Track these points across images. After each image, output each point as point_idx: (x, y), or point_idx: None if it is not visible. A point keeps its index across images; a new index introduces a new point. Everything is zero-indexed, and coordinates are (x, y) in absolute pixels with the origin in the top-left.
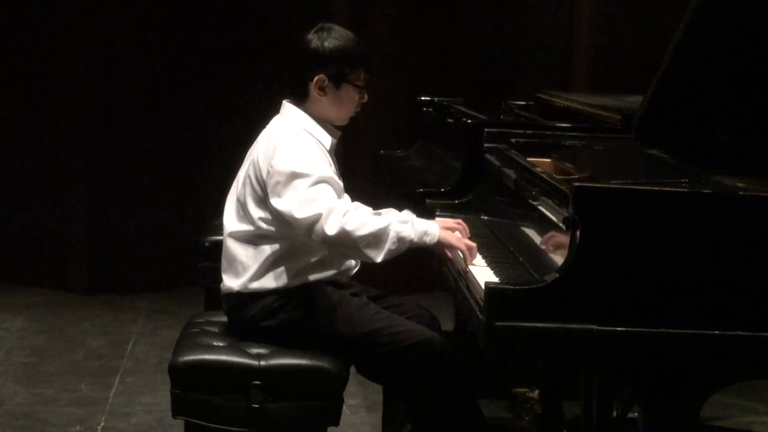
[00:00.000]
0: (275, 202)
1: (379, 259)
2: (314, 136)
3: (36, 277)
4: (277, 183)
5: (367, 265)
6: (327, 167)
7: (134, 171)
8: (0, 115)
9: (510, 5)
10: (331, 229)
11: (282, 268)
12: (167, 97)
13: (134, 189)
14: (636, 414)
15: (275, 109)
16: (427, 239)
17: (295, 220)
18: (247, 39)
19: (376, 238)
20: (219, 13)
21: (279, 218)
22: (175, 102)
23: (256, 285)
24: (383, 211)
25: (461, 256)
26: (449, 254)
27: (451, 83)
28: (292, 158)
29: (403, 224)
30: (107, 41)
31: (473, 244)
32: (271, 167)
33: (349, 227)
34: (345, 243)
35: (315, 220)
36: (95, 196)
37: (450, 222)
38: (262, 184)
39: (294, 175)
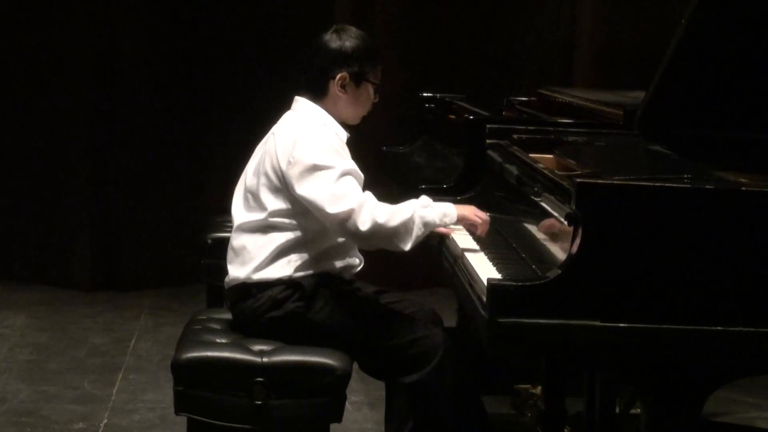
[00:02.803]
0: (304, 194)
1: (408, 247)
2: (333, 130)
3: (38, 274)
4: (302, 175)
5: (369, 262)
6: (350, 159)
7: (136, 168)
8: (2, 113)
9: (512, 1)
10: (363, 224)
11: (289, 258)
12: (169, 94)
13: (136, 186)
14: (639, 410)
15: (278, 106)
16: (447, 220)
17: (327, 215)
18: (249, 37)
19: (405, 227)
20: (221, 11)
21: (300, 208)
22: (178, 99)
23: (262, 274)
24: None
25: (468, 237)
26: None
27: (454, 79)
28: (316, 150)
29: (425, 209)
30: (109, 37)
31: (487, 218)
32: (293, 158)
33: (380, 220)
34: (376, 236)
35: (347, 215)
36: (97, 193)
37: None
38: (280, 176)
39: (319, 167)
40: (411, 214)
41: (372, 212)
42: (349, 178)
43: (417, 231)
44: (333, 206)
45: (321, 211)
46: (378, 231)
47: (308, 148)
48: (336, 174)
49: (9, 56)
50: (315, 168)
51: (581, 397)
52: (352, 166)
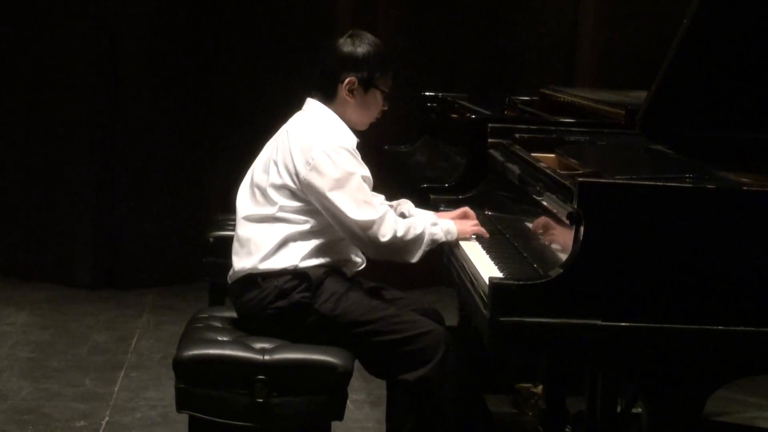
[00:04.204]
0: (327, 198)
1: (415, 260)
2: (344, 135)
3: (40, 272)
4: (324, 179)
5: (370, 259)
6: (364, 165)
7: (139, 166)
8: (4, 112)
9: (514, 1)
10: (384, 236)
11: (295, 246)
12: (172, 93)
13: (139, 184)
14: (640, 409)
15: (280, 105)
16: (449, 237)
17: (350, 220)
18: (252, 36)
19: (417, 243)
20: (223, 10)
21: (312, 206)
22: (180, 98)
23: (268, 264)
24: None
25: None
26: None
27: (456, 79)
28: (337, 155)
29: (434, 227)
30: (111, 36)
31: (481, 230)
32: (312, 160)
33: (399, 233)
34: (391, 247)
35: (370, 224)
36: (99, 192)
37: (455, 214)
38: (293, 175)
39: (341, 171)
40: (422, 230)
41: (393, 225)
42: (366, 185)
43: (425, 247)
44: (357, 212)
45: (342, 215)
46: (394, 243)
47: (329, 152)
48: (358, 180)
49: (11, 57)
50: (337, 172)
51: (582, 396)
52: (368, 172)
